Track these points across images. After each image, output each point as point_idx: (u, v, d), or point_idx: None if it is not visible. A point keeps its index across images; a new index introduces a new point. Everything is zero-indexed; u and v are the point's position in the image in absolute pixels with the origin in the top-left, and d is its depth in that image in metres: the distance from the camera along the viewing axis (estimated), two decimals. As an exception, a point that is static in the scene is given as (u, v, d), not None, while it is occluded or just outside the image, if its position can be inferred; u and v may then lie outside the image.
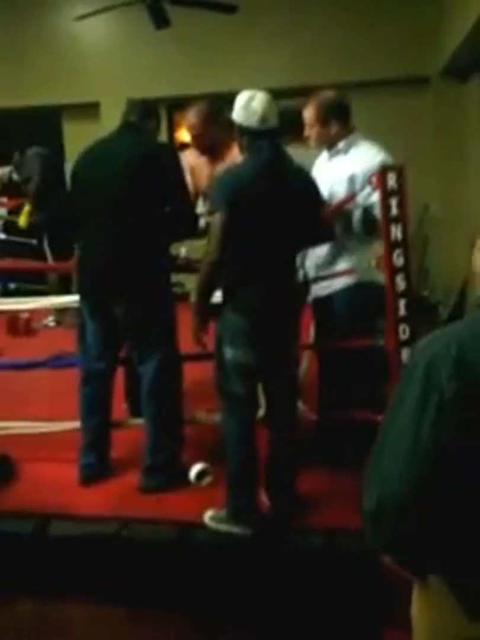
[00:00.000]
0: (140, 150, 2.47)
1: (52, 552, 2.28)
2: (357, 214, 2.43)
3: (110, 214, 2.44)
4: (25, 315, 4.88)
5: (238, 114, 2.16)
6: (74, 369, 2.78)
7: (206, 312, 2.24)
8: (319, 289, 2.65)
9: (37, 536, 2.29)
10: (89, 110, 6.72)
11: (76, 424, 2.70)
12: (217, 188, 2.20)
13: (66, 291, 3.88)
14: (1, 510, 2.42)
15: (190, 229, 2.61)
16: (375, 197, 2.27)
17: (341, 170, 2.54)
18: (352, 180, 2.47)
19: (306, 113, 2.56)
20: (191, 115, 2.94)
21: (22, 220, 4.48)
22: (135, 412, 2.89)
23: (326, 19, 6.16)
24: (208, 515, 2.29)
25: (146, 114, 2.61)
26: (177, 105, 6.82)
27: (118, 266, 2.45)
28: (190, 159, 3.11)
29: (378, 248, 2.43)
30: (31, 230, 4.78)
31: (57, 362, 2.98)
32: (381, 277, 2.40)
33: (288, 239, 2.24)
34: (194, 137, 2.97)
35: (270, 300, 2.19)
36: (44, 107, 6.79)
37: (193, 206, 2.67)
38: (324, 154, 2.68)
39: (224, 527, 2.24)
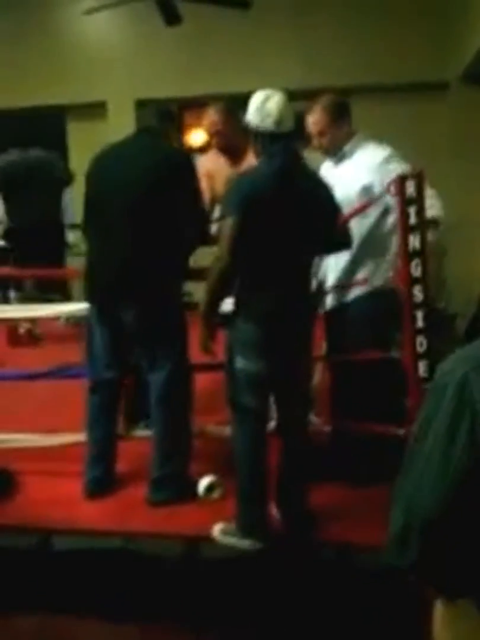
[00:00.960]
0: (157, 156, 2.49)
1: (55, 566, 2.29)
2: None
3: (123, 220, 2.46)
4: (26, 325, 4.89)
5: (252, 115, 2.13)
6: (77, 381, 2.80)
7: (215, 320, 2.25)
8: (333, 299, 2.67)
9: (40, 550, 2.30)
10: (96, 110, 6.76)
11: (80, 437, 2.71)
12: (229, 192, 2.20)
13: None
14: (2, 524, 2.43)
15: (199, 239, 2.63)
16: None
17: (349, 175, 2.54)
18: (362, 185, 2.47)
19: (314, 118, 2.53)
20: (212, 113, 2.96)
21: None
22: (135, 418, 2.91)
23: (341, 20, 6.18)
24: (217, 529, 2.30)
25: (164, 118, 2.64)
26: (186, 106, 6.87)
27: (130, 272, 2.47)
28: (207, 164, 3.14)
29: (395, 258, 2.48)
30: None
31: (61, 372, 3.00)
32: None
33: (303, 247, 2.25)
34: (214, 134, 2.98)
35: (284, 309, 2.20)
36: (47, 106, 6.83)
37: (205, 216, 2.69)
38: (328, 162, 2.68)
39: (233, 542, 2.25)
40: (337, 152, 2.59)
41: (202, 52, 6.39)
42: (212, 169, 3.10)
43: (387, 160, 2.48)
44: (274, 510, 2.37)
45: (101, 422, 2.66)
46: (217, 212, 2.89)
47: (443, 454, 0.89)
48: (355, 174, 2.52)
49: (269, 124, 2.10)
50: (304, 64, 6.15)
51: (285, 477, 2.34)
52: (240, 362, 2.19)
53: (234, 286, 2.22)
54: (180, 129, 7.13)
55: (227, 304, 2.29)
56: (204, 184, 3.00)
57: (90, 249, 2.63)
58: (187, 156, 2.55)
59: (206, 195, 2.95)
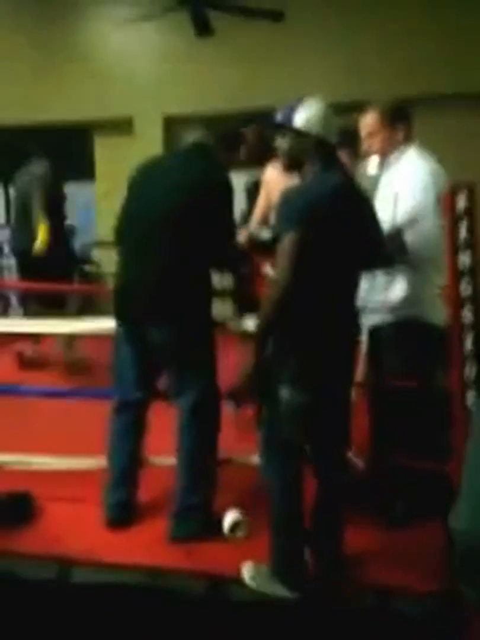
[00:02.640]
0: (193, 175, 2.46)
1: (74, 600, 2.24)
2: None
3: (156, 237, 2.45)
4: (36, 347, 4.88)
5: (318, 124, 2.03)
6: (100, 402, 2.77)
7: (266, 351, 2.06)
8: (369, 319, 2.60)
9: (59, 583, 2.27)
10: (122, 126, 6.84)
11: (104, 462, 2.66)
12: (286, 206, 2.03)
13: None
14: (21, 554, 2.40)
15: (226, 263, 2.65)
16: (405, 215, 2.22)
17: (388, 186, 2.51)
18: (396, 198, 2.43)
19: (367, 120, 2.51)
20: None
21: (38, 246, 4.50)
22: None
23: (381, 29, 6.17)
24: (247, 573, 2.21)
25: (219, 138, 2.57)
26: (215, 124, 6.90)
27: (161, 291, 2.45)
28: (266, 176, 3.24)
29: (434, 277, 2.42)
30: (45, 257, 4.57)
31: (85, 392, 2.98)
32: (437, 314, 2.36)
33: (355, 266, 2.16)
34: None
35: (334, 335, 2.09)
36: (74, 122, 6.95)
37: (234, 242, 2.66)
38: (370, 167, 2.64)
39: (266, 587, 2.16)
40: (385, 158, 2.56)
41: (234, 67, 6.44)
42: (270, 180, 3.19)
43: (424, 180, 2.42)
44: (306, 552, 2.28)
45: (124, 444, 2.62)
46: (272, 218, 2.88)
47: None
48: (394, 185, 2.48)
49: (331, 134, 2.05)
50: (341, 76, 6.15)
51: (319, 517, 2.24)
52: (286, 394, 2.06)
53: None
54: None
55: (248, 324, 2.20)
56: (262, 196, 3.10)
57: (120, 265, 2.61)
58: (224, 176, 2.51)
59: (260, 203, 3.00)
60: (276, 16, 5.18)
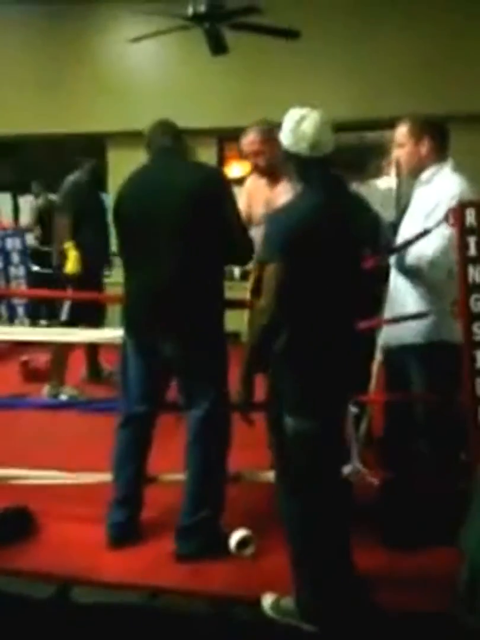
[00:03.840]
0: (191, 179, 2.45)
1: (74, 620, 2.22)
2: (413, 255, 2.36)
3: (162, 247, 2.43)
4: (44, 358, 4.90)
5: (286, 136, 1.98)
6: (107, 416, 2.76)
7: (254, 381, 2.04)
8: (389, 338, 2.57)
9: (58, 602, 2.24)
10: (136, 139, 6.90)
11: (106, 477, 2.65)
12: (270, 232, 1.99)
13: None
14: (19, 571, 2.38)
15: (246, 256, 2.59)
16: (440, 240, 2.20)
17: (419, 205, 2.49)
18: (426, 219, 2.39)
19: (399, 131, 2.52)
20: (251, 132, 3.00)
21: (71, 267, 4.41)
22: None
23: (398, 48, 6.19)
24: (269, 604, 2.14)
25: (177, 137, 2.61)
26: (228, 138, 6.97)
27: (170, 301, 2.43)
28: (248, 185, 3.20)
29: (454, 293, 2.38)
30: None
31: (91, 405, 2.96)
32: (457, 334, 2.29)
33: (353, 283, 2.09)
34: (252, 154, 3.01)
35: (335, 359, 2.03)
36: (87, 134, 7.03)
37: (247, 233, 2.65)
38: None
39: (291, 621, 2.10)
40: (416, 173, 2.55)
41: (247, 82, 6.50)
42: (252, 189, 3.14)
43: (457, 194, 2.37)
44: None
45: (130, 459, 2.60)
46: (252, 232, 2.88)
47: None
48: (426, 203, 2.45)
49: (303, 148, 1.95)
50: (354, 94, 6.18)
51: None
52: (289, 424, 2.01)
53: (281, 336, 2.02)
54: (221, 160, 7.25)
55: None
56: (242, 203, 3.02)
57: (128, 278, 2.61)
58: (223, 176, 2.54)
59: (243, 214, 2.93)
60: (292, 34, 5.21)
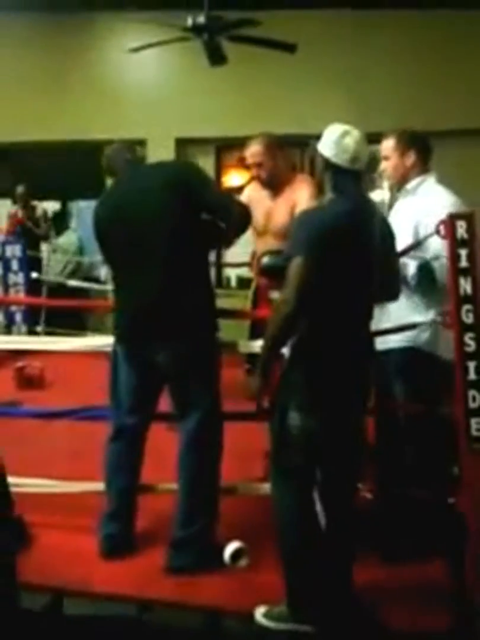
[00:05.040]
0: (164, 176, 2.51)
1: (65, 633, 2.22)
2: (412, 267, 2.39)
3: (149, 253, 2.45)
4: (37, 365, 4.90)
5: (328, 147, 2.09)
6: (101, 424, 2.75)
7: (273, 370, 2.11)
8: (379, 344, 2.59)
9: (50, 614, 2.24)
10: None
11: (100, 486, 2.65)
12: (296, 230, 2.11)
13: None
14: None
15: (245, 218, 2.59)
16: (438, 248, 2.23)
17: (406, 214, 2.54)
18: (416, 228, 2.45)
19: (384, 144, 2.61)
20: (255, 144, 3.06)
21: None
22: None
23: (391, 64, 6.34)
24: (261, 614, 2.15)
25: (132, 149, 2.70)
26: (226, 147, 7.02)
27: (160, 309, 2.44)
28: (249, 192, 3.27)
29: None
30: None
31: (86, 413, 2.95)
32: (444, 349, 2.33)
33: (369, 292, 2.15)
34: (255, 165, 3.05)
35: (349, 361, 2.08)
36: (86, 142, 7.08)
37: (235, 198, 2.67)
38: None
39: (286, 626, 2.10)
40: (400, 184, 2.64)
41: (245, 93, 6.61)
42: (252, 197, 3.19)
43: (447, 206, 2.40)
44: None
45: (122, 472, 2.59)
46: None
47: None
48: (412, 213, 2.51)
49: (344, 159, 2.07)
50: (350, 107, 6.27)
51: (328, 554, 2.17)
52: (295, 419, 2.05)
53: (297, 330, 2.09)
54: (219, 170, 7.30)
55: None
56: None
57: (116, 287, 2.63)
58: (190, 162, 2.63)
59: None
60: (289, 47, 5.30)
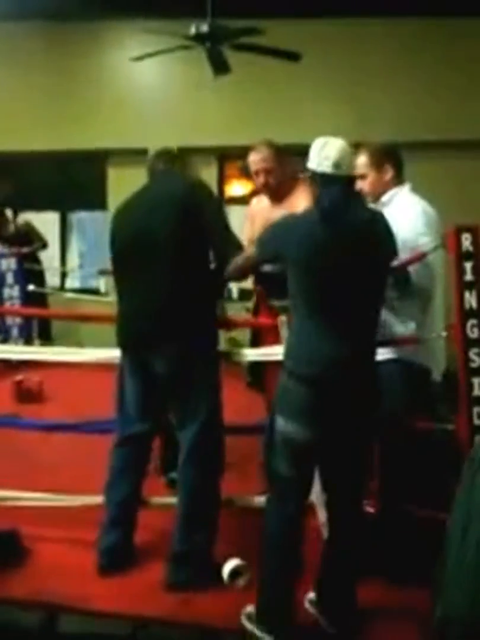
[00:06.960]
0: (172, 192, 2.53)
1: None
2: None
3: (152, 263, 2.47)
4: (36, 379, 4.89)
5: (312, 160, 2.15)
6: (101, 438, 2.74)
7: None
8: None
9: (44, 631, 2.21)
10: (136, 156, 6.98)
11: (98, 499, 2.63)
12: (265, 230, 2.28)
13: None
14: (5, 597, 2.35)
15: (230, 251, 2.56)
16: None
17: None
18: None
19: (358, 162, 2.56)
20: (263, 149, 3.04)
21: None
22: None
23: (390, 75, 6.39)
24: (246, 613, 2.19)
25: (170, 160, 2.70)
26: (228, 157, 7.04)
27: (162, 318, 2.46)
28: (252, 207, 3.27)
29: (434, 318, 2.40)
30: None
31: (88, 427, 2.95)
32: (432, 360, 2.34)
33: (361, 295, 2.11)
34: (263, 171, 3.02)
35: (340, 370, 2.06)
36: (89, 151, 7.10)
37: (230, 230, 2.62)
38: None
39: (252, 628, 2.14)
40: (376, 199, 2.61)
41: (247, 102, 6.63)
42: (256, 212, 3.18)
43: (422, 218, 2.46)
44: (308, 605, 2.23)
45: (124, 480, 2.58)
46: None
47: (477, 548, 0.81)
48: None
49: (327, 166, 2.11)
50: (353, 116, 6.31)
51: (331, 568, 2.18)
52: (280, 425, 2.07)
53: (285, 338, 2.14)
54: (221, 179, 7.31)
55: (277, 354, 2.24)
56: (247, 227, 3.10)
57: (121, 295, 2.64)
58: (200, 182, 2.62)
59: (246, 236, 3.01)
60: (293, 56, 5.31)
